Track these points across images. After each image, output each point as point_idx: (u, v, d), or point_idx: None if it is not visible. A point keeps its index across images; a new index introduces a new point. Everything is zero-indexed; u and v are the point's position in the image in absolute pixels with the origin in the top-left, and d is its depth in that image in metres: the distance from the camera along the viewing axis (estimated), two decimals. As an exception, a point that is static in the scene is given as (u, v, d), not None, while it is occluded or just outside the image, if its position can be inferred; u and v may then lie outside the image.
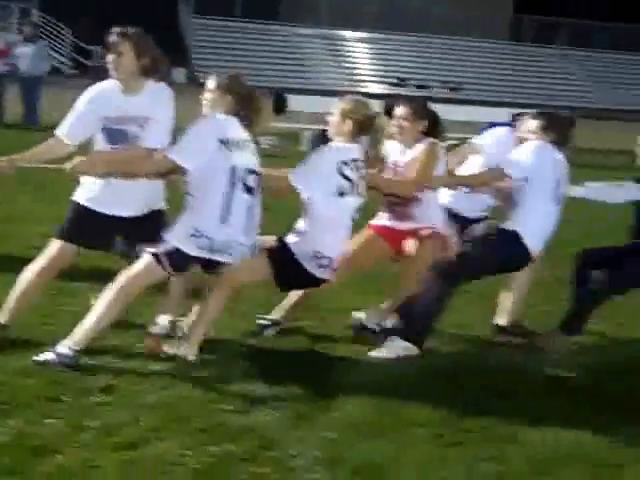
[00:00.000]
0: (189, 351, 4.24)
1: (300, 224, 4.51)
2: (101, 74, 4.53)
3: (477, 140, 5.56)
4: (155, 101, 4.31)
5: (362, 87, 25.53)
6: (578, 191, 5.11)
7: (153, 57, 4.32)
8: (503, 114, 23.52)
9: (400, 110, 4.93)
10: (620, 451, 3.64)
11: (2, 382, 3.79)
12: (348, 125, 4.52)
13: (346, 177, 4.43)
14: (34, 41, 15.69)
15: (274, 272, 4.40)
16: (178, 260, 4.11)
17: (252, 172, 4.24)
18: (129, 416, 3.55)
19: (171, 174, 4.29)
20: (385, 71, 28.14)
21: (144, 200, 4.38)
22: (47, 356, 4.00)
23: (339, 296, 5.35)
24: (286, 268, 4.40)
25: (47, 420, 3.45)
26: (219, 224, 4.11)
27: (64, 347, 4.01)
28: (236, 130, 4.23)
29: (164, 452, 3.28)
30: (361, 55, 29.36)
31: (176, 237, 4.12)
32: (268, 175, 4.49)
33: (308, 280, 4.47)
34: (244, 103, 4.28)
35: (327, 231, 4.42)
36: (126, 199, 4.33)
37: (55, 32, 25.65)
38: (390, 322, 4.92)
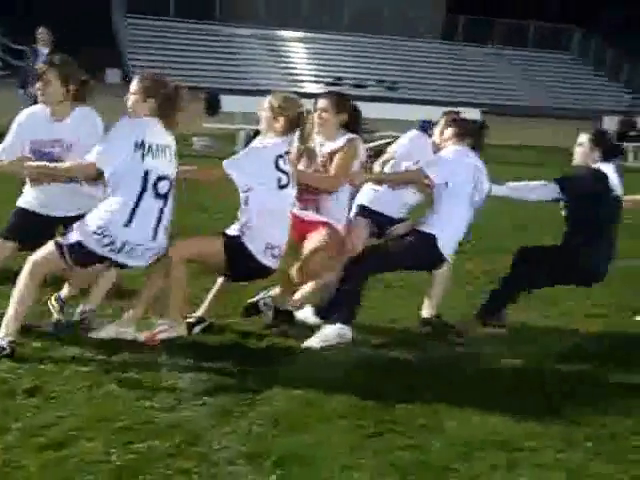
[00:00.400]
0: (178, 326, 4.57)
1: (244, 219, 4.64)
2: (29, 75, 4.65)
3: (394, 146, 5.68)
4: (80, 126, 4.60)
5: (299, 87, 25.64)
6: (499, 189, 5.28)
7: (80, 83, 4.61)
8: (438, 113, 24.09)
9: (320, 102, 5.07)
10: (534, 436, 3.78)
11: None
12: (280, 122, 4.67)
13: (283, 170, 4.62)
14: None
15: (228, 265, 4.60)
16: (79, 254, 4.28)
17: (164, 178, 4.36)
18: (54, 417, 3.58)
19: (97, 178, 4.39)
20: (322, 70, 28.31)
21: (76, 202, 4.64)
22: None
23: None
24: (240, 261, 4.59)
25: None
26: (123, 227, 4.25)
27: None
28: (156, 134, 4.34)
29: (89, 451, 3.32)
30: (298, 55, 29.48)
31: (81, 232, 4.26)
32: (201, 171, 4.91)
33: (261, 271, 4.68)
34: (167, 104, 4.39)
35: (274, 223, 4.62)
36: (58, 201, 4.65)
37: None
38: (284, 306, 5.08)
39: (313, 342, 4.77)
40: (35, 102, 4.83)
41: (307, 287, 5.06)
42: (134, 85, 4.42)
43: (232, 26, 28.84)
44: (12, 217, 4.79)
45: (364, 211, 5.47)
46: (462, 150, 5.10)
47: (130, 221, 4.25)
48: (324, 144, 5.06)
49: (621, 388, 4.50)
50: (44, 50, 11.70)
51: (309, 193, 5.01)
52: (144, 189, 4.28)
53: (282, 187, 4.63)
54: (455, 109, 6.03)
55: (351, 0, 30.69)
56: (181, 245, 4.55)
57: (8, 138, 4.69)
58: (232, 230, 4.67)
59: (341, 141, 5.01)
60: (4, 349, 4.19)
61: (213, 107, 15.80)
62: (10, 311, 4.30)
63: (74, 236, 4.28)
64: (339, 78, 27.49)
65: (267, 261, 4.63)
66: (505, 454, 3.58)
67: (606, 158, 5.28)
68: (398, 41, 30.49)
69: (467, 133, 5.15)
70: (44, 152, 4.58)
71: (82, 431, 3.46)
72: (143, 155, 4.26)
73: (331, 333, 4.82)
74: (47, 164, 4.51)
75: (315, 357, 4.63)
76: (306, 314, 5.16)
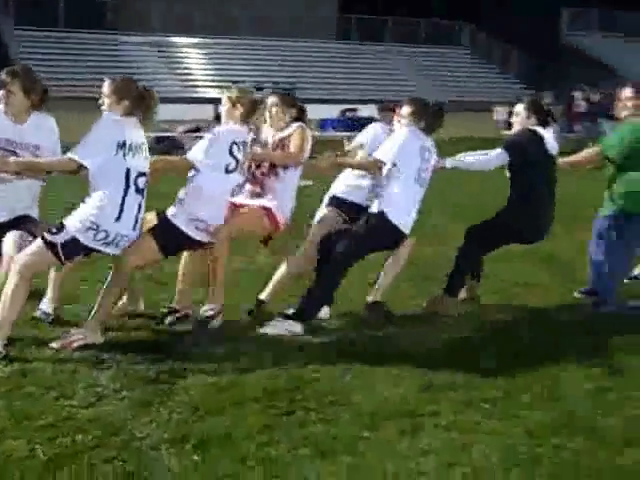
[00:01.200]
0: (93, 335, 4.71)
1: (181, 193, 5.05)
2: None
3: (359, 138, 6.05)
4: (40, 130, 4.92)
5: (196, 92, 25.67)
6: (450, 162, 5.69)
7: (41, 92, 4.93)
8: (335, 111, 24.50)
9: (272, 99, 5.52)
10: (436, 401, 4.09)
11: None
12: (239, 109, 5.15)
13: (234, 157, 5.02)
14: None
15: (158, 244, 4.87)
16: (72, 249, 4.55)
17: (142, 174, 4.71)
18: (-24, 420, 3.68)
19: (77, 172, 4.63)
20: (219, 75, 28.34)
21: (14, 207, 4.96)
22: None
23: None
24: (166, 234, 4.93)
25: None
26: (115, 221, 4.58)
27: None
28: (133, 132, 4.67)
29: (13, 449, 3.44)
30: (194, 61, 29.45)
31: (76, 228, 4.52)
32: (167, 161, 5.64)
33: (187, 241, 5.03)
34: (139, 103, 4.71)
35: (207, 201, 4.98)
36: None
37: None
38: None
39: (269, 329, 5.13)
40: None
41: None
42: (106, 88, 4.69)
43: (124, 34, 28.62)
44: None
45: (334, 200, 5.83)
46: (411, 131, 5.44)
47: (120, 215, 4.58)
48: (275, 135, 5.48)
49: (510, 353, 4.88)
50: None
51: (261, 175, 5.40)
52: (128, 186, 4.60)
53: (229, 172, 5.02)
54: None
55: (244, 5, 30.85)
56: (124, 261, 4.77)
57: None
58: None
59: (291, 129, 5.44)
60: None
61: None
62: (6, 313, 4.47)
63: (67, 233, 4.50)
64: (237, 82, 27.62)
65: (190, 231, 4.97)
66: (410, 420, 3.87)
67: (541, 123, 5.78)
68: (293, 42, 30.81)
69: (423, 114, 5.49)
70: (11, 152, 4.78)
71: (6, 431, 3.58)
72: (124, 155, 4.56)
73: (285, 324, 5.14)
74: (32, 159, 4.77)
75: (225, 347, 4.83)
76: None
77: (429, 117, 5.54)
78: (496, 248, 5.96)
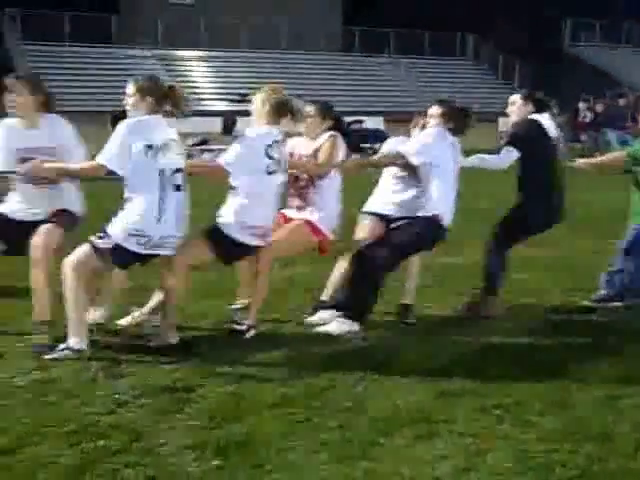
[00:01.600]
0: (165, 339, 4.89)
1: (232, 201, 5.10)
2: None
3: (385, 147, 6.13)
4: (54, 132, 4.96)
5: (202, 105, 25.80)
6: (467, 161, 5.81)
7: (46, 91, 5.01)
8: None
9: (309, 108, 5.58)
10: (450, 408, 4.16)
11: None
12: (266, 108, 5.16)
13: (271, 157, 5.09)
14: None
15: (217, 253, 5.02)
16: (121, 256, 4.65)
17: (178, 170, 4.77)
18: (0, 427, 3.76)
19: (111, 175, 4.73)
20: (224, 88, 28.50)
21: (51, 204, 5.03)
22: (60, 352, 4.60)
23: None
24: (225, 247, 5.03)
25: None
26: (156, 223, 4.64)
27: (74, 343, 4.60)
28: (162, 131, 4.73)
29: (38, 455, 3.51)
30: (199, 74, 29.61)
31: (119, 236, 4.60)
32: (202, 166, 5.64)
33: (246, 250, 5.15)
34: (164, 101, 4.79)
35: (257, 205, 5.06)
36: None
37: None
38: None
39: (329, 327, 5.31)
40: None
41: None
42: (130, 88, 4.77)
43: (130, 48, 28.81)
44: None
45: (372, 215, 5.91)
46: (440, 130, 5.58)
47: (160, 216, 4.65)
48: (310, 144, 5.57)
49: (520, 360, 4.94)
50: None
51: (300, 188, 5.50)
52: (163, 186, 4.67)
53: (270, 173, 5.11)
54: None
55: (248, 19, 31.01)
56: (179, 261, 4.90)
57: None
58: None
59: (322, 138, 5.53)
60: (79, 351, 4.61)
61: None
62: (72, 316, 4.60)
63: (112, 240, 4.59)
64: (244, 95, 27.73)
65: (245, 238, 5.05)
66: (425, 425, 3.93)
67: (538, 110, 5.95)
68: (297, 55, 30.98)
69: (452, 115, 5.62)
70: (29, 159, 4.84)
71: (30, 437, 3.66)
72: (155, 155, 4.63)
73: (344, 324, 5.32)
74: (63, 165, 4.83)
75: (242, 354, 4.90)
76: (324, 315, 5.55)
77: (458, 118, 5.66)
78: (520, 241, 6.12)
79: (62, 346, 4.66)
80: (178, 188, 4.77)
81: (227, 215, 5.07)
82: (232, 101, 26.32)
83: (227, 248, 5.05)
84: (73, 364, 4.59)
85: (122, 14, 30.91)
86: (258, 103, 5.22)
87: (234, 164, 5.02)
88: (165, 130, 4.78)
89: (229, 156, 5.05)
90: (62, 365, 4.57)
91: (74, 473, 3.37)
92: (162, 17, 29.93)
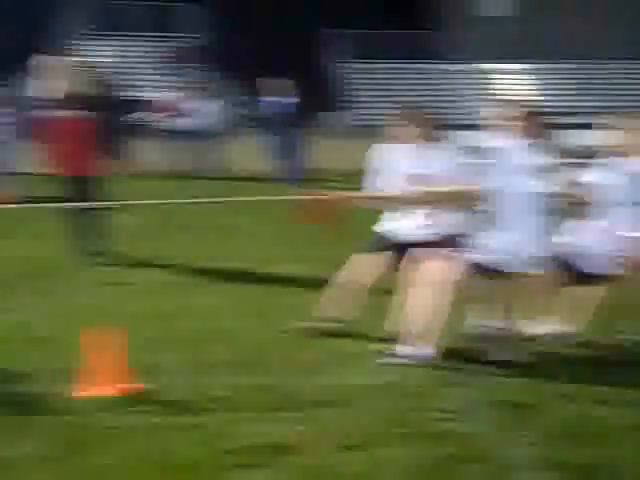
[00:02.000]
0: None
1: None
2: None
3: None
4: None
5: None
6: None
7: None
8: None
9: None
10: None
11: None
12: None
13: None
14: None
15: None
16: (482, 271, 4.67)
17: (539, 195, 4.73)
18: (357, 424, 3.88)
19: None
20: (549, 101, 27.77)
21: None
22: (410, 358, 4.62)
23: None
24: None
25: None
26: (516, 241, 4.65)
27: (426, 347, 4.62)
28: (527, 154, 4.75)
29: (383, 454, 3.54)
30: (517, 87, 29.15)
31: (470, 249, 4.70)
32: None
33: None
34: (530, 126, 4.79)
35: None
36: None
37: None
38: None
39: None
40: None
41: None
42: (515, 113, 4.78)
43: (448, 63, 29.10)
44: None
45: None
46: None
47: (510, 234, 4.60)
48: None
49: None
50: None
51: None
52: (522, 206, 4.64)
53: None
54: None
55: (573, 28, 29.93)
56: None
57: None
58: None
59: None
60: (428, 358, 4.61)
61: None
62: (428, 325, 4.64)
63: (463, 252, 4.69)
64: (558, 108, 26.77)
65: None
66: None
67: None
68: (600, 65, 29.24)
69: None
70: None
71: (377, 436, 3.73)
72: (525, 176, 4.66)
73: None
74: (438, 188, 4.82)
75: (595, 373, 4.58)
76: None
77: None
78: None
79: (411, 352, 4.65)
80: (536, 211, 4.74)
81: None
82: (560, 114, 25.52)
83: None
84: (420, 370, 4.58)
85: (434, 30, 31.26)
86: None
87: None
88: (531, 154, 4.79)
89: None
90: (409, 370, 4.57)
91: (417, 475, 3.38)
92: (474, 32, 29.90)
